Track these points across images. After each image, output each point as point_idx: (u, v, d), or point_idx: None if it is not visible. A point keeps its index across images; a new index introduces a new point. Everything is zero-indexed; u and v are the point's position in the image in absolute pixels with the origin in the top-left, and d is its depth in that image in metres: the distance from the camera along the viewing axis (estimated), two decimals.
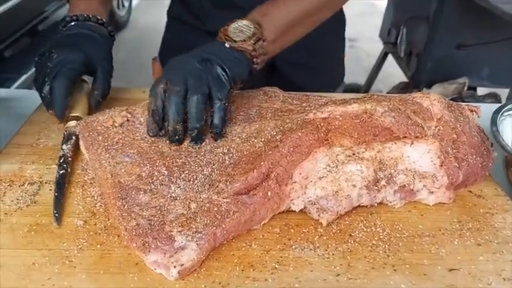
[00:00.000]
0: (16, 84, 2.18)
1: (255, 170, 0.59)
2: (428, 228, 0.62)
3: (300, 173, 0.61)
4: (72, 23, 0.83)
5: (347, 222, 0.62)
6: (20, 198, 0.63)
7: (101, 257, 0.54)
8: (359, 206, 0.64)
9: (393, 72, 2.87)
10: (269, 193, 0.59)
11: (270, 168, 0.60)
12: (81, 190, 0.65)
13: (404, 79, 2.45)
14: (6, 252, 0.54)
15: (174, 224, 0.55)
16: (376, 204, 0.64)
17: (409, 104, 0.67)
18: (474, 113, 0.71)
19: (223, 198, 0.58)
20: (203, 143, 0.67)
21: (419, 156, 0.64)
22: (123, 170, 0.62)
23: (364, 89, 2.78)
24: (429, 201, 0.65)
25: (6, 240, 0.56)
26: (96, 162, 0.65)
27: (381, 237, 0.59)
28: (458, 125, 0.68)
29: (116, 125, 0.70)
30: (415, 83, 2.20)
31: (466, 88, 2.14)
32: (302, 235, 0.59)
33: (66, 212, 0.61)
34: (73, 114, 0.76)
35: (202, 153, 0.65)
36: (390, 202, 0.65)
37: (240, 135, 0.67)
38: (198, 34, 1.04)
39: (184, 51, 1.08)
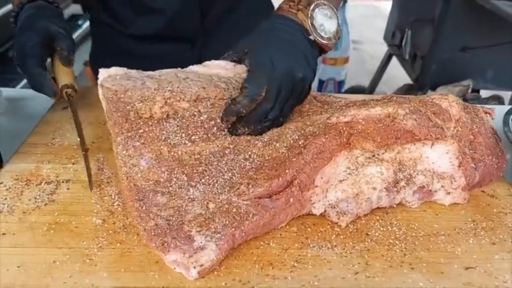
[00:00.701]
0: (20, 85, 2.18)
1: (280, 178, 0.59)
2: (443, 228, 0.62)
3: (322, 178, 0.62)
4: (15, 19, 0.82)
5: (363, 221, 0.62)
6: (38, 197, 0.64)
7: (121, 256, 0.55)
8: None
9: (397, 74, 2.88)
10: (291, 199, 0.59)
11: (294, 176, 0.60)
12: (98, 189, 0.66)
13: (408, 81, 2.46)
14: (27, 251, 0.55)
15: (192, 224, 0.55)
16: (394, 206, 0.65)
17: (429, 106, 0.67)
18: (488, 115, 0.72)
19: (243, 200, 0.58)
20: (225, 151, 0.64)
21: (438, 157, 0.64)
22: (139, 175, 0.60)
23: (368, 91, 2.79)
24: (445, 202, 0.66)
25: (26, 238, 0.57)
26: (115, 150, 0.63)
27: (397, 236, 0.60)
28: (474, 126, 0.68)
29: (153, 119, 0.65)
30: (420, 85, 2.21)
31: (470, 90, 2.14)
32: (319, 234, 0.60)
33: (84, 211, 0.62)
34: (62, 84, 0.76)
35: (224, 161, 0.63)
36: (409, 203, 0.65)
37: (262, 139, 0.65)
38: (124, 38, 1.04)
39: (114, 56, 1.02)
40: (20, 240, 0.56)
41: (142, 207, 0.58)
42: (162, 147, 0.63)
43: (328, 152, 0.61)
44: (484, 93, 2.31)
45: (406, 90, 2.37)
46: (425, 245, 0.59)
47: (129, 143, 0.63)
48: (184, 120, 0.65)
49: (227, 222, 0.55)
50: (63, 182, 0.67)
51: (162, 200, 0.58)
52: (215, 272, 0.53)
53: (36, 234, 0.57)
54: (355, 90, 2.85)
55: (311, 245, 0.58)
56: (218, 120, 0.66)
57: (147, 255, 0.55)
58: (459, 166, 0.64)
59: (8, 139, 0.76)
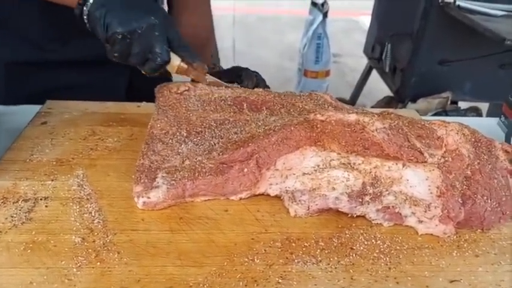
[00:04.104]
0: None
1: (241, 148, 0.66)
2: (427, 240, 0.62)
3: (284, 163, 0.66)
4: None
5: (347, 235, 0.62)
6: (15, 215, 0.62)
7: (102, 275, 0.53)
8: (359, 218, 0.64)
9: (377, 87, 2.91)
10: (245, 169, 0.66)
11: (255, 150, 0.66)
12: (78, 206, 0.64)
13: (389, 93, 2.49)
14: (2, 272, 0.53)
15: (164, 170, 0.66)
16: (355, 215, 0.64)
17: (417, 128, 0.66)
18: (506, 153, 0.68)
19: (210, 163, 0.66)
20: (225, 121, 0.75)
21: (418, 182, 0.62)
22: (158, 125, 0.74)
23: (349, 103, 2.81)
24: (418, 230, 0.63)
25: (2, 258, 0.55)
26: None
27: (382, 249, 0.60)
28: (476, 163, 0.65)
29: (178, 91, 0.81)
30: (400, 97, 2.23)
31: (449, 102, 2.18)
32: (304, 249, 0.59)
33: (63, 229, 0.60)
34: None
35: (219, 129, 0.73)
36: (373, 220, 0.64)
37: (257, 122, 0.73)
38: (51, 67, 0.97)
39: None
40: None
41: (145, 149, 0.70)
42: (181, 109, 0.77)
43: (295, 140, 0.66)
44: (463, 105, 2.35)
45: (387, 102, 2.39)
46: (410, 259, 0.59)
47: (160, 109, 0.78)
48: (201, 96, 0.81)
49: (186, 175, 0.65)
50: (41, 199, 0.65)
51: (159, 147, 0.70)
52: None
53: (12, 254, 0.56)
54: None
55: (296, 261, 0.57)
56: (227, 97, 0.80)
57: (127, 274, 0.54)
58: (438, 196, 0.62)
59: None
